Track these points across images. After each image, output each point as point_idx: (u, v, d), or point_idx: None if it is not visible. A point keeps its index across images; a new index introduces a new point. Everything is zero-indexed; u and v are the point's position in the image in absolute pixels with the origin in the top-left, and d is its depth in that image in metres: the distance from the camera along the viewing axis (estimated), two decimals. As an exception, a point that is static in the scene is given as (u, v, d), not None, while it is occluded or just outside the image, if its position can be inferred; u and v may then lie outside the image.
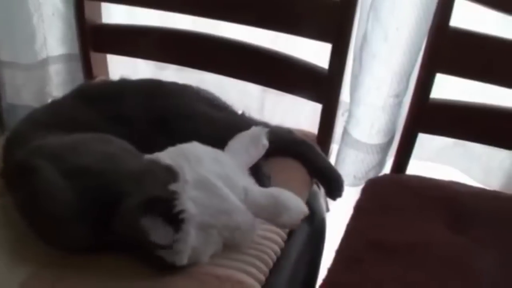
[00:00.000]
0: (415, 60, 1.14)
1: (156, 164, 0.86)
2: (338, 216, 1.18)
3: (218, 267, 0.86)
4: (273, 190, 0.90)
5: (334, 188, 1.13)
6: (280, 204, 0.87)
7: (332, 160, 1.30)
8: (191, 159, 0.86)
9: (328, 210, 1.21)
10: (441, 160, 1.33)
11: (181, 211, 0.79)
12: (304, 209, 0.89)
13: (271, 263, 0.90)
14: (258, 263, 0.88)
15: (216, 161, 0.89)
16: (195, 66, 1.34)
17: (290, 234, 0.99)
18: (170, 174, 0.83)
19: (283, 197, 0.88)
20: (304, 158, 1.13)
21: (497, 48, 1.06)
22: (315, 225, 1.11)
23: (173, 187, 0.81)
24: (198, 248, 0.82)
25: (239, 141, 0.96)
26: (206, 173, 0.84)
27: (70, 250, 0.86)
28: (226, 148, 0.96)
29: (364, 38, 1.15)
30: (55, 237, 0.86)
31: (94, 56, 1.39)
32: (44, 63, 1.49)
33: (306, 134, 1.22)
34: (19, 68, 1.49)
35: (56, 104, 1.08)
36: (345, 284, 0.89)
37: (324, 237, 1.16)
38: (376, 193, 1.11)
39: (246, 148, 0.95)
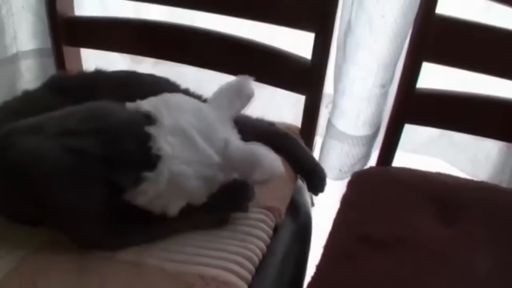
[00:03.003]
0: (401, 49, 1.12)
1: (136, 113, 0.87)
2: (324, 211, 1.17)
3: (202, 266, 0.83)
4: (252, 146, 0.88)
5: (316, 183, 1.11)
6: (255, 160, 0.85)
7: (316, 153, 1.28)
8: (172, 106, 0.87)
9: (313, 205, 1.19)
10: (427, 152, 1.32)
11: (158, 150, 0.82)
12: (279, 167, 0.87)
13: (257, 261, 0.87)
14: (243, 261, 0.85)
15: (198, 112, 0.89)
16: (173, 58, 1.31)
17: (276, 229, 0.96)
18: (149, 120, 0.84)
19: (259, 153, 0.86)
20: (286, 152, 1.10)
21: (483, 36, 1.05)
22: (300, 221, 1.09)
23: (150, 130, 0.83)
24: (164, 196, 0.83)
25: (222, 93, 0.96)
26: (184, 122, 0.86)
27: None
28: (210, 99, 0.96)
29: (348, 26, 1.13)
30: (49, 197, 0.81)
31: (67, 50, 1.36)
32: (14, 58, 1.44)
33: (289, 127, 1.20)
34: (-12, 64, 1.44)
35: (29, 94, 1.04)
36: (335, 281, 0.86)
37: (310, 233, 1.14)
38: (363, 186, 1.10)
39: (230, 99, 0.95)
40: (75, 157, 0.79)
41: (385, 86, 1.17)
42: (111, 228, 0.84)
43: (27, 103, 1.00)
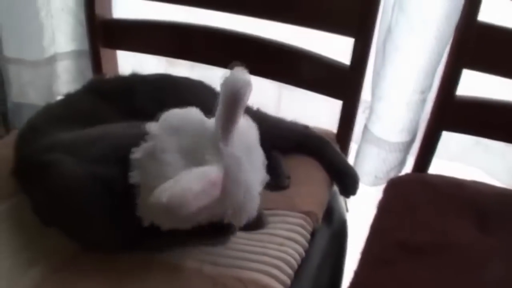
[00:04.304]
0: (442, 55, 1.11)
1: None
2: (358, 217, 1.16)
3: (241, 269, 0.83)
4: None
5: (348, 186, 1.10)
6: None
7: (351, 159, 1.27)
8: (167, 129, 0.83)
9: (347, 210, 1.18)
10: (462, 160, 1.30)
11: (130, 177, 0.79)
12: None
13: (295, 265, 0.87)
14: (282, 265, 0.85)
15: (196, 132, 0.82)
16: (208, 61, 1.30)
17: (313, 234, 0.96)
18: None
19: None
20: (320, 155, 1.11)
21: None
22: (336, 226, 1.09)
23: (132, 155, 0.80)
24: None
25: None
26: (167, 145, 0.80)
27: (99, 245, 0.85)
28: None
29: (388, 31, 1.12)
30: (85, 233, 0.84)
31: (104, 52, 1.37)
32: (51, 60, 1.47)
33: (325, 132, 1.20)
34: (26, 65, 1.47)
35: (70, 98, 1.06)
36: (373, 286, 0.87)
37: (346, 239, 1.14)
38: (399, 192, 1.09)
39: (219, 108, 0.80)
40: (103, 186, 0.80)
41: (424, 92, 1.15)
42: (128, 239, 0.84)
43: (68, 108, 1.03)
